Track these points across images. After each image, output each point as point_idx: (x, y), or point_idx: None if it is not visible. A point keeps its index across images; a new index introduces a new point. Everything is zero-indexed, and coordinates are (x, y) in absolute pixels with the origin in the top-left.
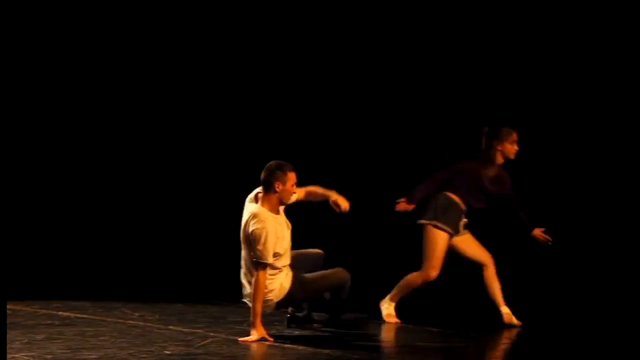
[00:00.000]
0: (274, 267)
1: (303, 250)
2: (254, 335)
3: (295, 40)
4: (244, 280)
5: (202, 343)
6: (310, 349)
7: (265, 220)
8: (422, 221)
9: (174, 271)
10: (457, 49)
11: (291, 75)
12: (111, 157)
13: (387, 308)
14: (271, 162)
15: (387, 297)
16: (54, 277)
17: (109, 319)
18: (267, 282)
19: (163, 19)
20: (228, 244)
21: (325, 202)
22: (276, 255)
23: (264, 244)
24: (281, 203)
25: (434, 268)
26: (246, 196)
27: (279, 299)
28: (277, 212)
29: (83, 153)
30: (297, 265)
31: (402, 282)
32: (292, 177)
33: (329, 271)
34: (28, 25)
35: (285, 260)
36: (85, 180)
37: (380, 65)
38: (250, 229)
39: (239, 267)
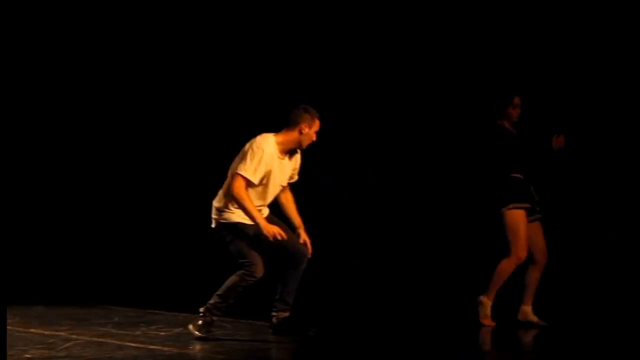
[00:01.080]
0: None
1: (294, 238)
2: (270, 233)
3: (293, 41)
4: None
5: (65, 346)
6: (175, 350)
7: (270, 148)
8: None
9: (36, 272)
10: (457, 49)
11: (290, 76)
12: None
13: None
14: (301, 105)
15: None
16: None
17: None
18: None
19: (151, 20)
20: (93, 245)
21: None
22: (260, 184)
23: (256, 162)
24: (298, 146)
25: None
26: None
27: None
28: (285, 154)
29: None
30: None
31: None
32: (318, 124)
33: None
34: (26, 26)
35: (265, 200)
36: None
37: (380, 65)
38: (252, 144)
39: (104, 269)
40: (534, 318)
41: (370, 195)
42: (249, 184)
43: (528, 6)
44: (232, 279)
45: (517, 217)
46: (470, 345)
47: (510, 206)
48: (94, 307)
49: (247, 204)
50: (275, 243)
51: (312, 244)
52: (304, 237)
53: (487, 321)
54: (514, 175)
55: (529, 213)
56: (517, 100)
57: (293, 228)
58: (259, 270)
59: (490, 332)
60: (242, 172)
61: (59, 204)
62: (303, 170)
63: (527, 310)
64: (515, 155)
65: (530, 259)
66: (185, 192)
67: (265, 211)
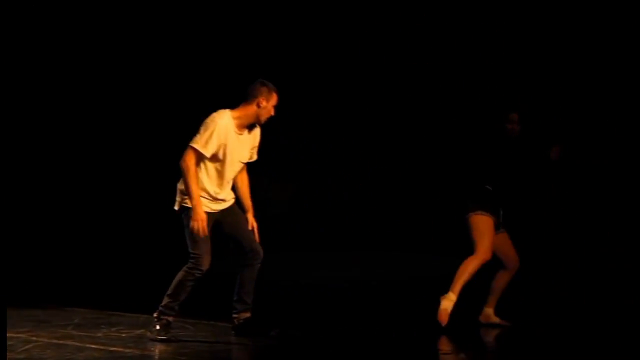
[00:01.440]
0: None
1: (251, 236)
2: (196, 220)
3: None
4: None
5: (25, 348)
6: (137, 352)
7: (224, 121)
8: None
9: None
10: (457, 49)
11: (289, 76)
12: None
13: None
14: (259, 79)
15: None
16: None
17: None
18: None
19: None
20: (53, 245)
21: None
22: (214, 159)
23: (207, 135)
24: (256, 120)
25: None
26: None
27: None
28: (243, 129)
29: None
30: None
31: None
32: (276, 98)
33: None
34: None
35: (223, 178)
36: None
37: (380, 65)
38: (207, 119)
39: (64, 270)
40: (495, 319)
41: (370, 195)
42: (201, 157)
43: (531, 10)
44: (179, 275)
45: (482, 219)
46: (468, 345)
47: (477, 212)
48: (54, 308)
49: (191, 178)
50: (231, 237)
51: (259, 228)
52: (251, 221)
53: (444, 318)
54: (486, 186)
55: (494, 226)
56: (513, 117)
57: (243, 210)
58: (205, 263)
59: (487, 332)
60: (192, 144)
61: (17, 206)
62: (303, 170)
63: (489, 312)
64: (492, 167)
65: (500, 265)
66: (145, 192)
67: (230, 196)
